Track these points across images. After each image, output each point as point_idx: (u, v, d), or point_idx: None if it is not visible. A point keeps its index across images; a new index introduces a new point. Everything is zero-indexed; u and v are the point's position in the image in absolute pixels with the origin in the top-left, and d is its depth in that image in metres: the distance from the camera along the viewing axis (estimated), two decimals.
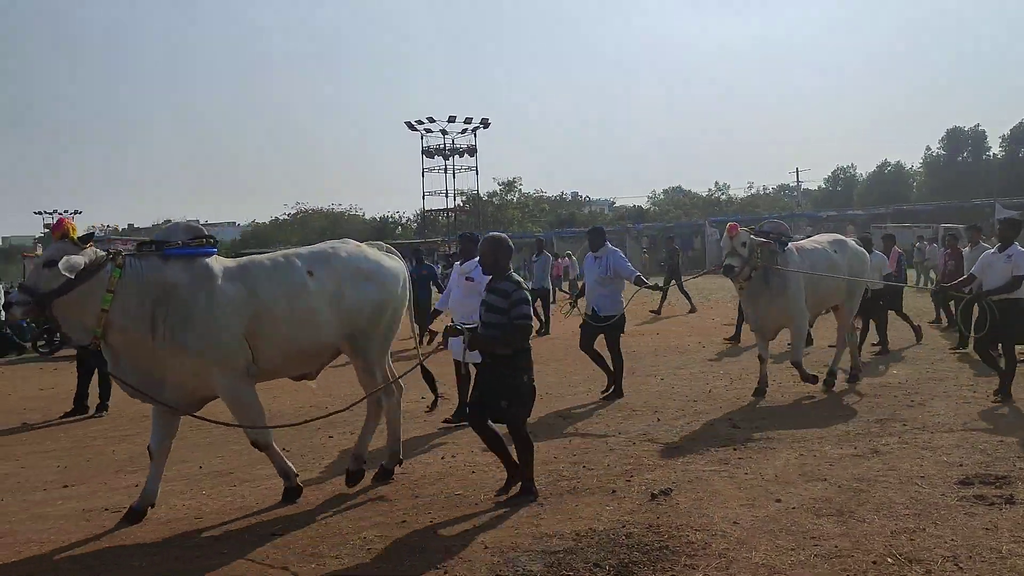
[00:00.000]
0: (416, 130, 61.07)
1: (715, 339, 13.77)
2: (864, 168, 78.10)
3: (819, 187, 79.64)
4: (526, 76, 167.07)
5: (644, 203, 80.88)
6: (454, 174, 62.26)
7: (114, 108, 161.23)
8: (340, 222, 75.26)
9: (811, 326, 10.69)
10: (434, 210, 65.81)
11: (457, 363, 7.76)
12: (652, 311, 19.07)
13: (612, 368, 9.10)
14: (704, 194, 76.38)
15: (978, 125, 66.60)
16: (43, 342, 17.16)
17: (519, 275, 5.71)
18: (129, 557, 4.80)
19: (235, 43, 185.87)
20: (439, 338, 6.10)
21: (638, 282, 9.19)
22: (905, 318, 12.59)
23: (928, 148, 69.69)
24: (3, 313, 13.49)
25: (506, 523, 4.95)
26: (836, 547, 4.33)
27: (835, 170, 78.07)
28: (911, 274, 26.31)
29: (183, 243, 5.50)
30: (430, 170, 62.53)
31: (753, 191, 78.92)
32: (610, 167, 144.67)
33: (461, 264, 8.27)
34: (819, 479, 5.54)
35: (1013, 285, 7.71)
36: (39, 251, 22.41)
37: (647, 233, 50.85)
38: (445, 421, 7.95)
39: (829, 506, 4.98)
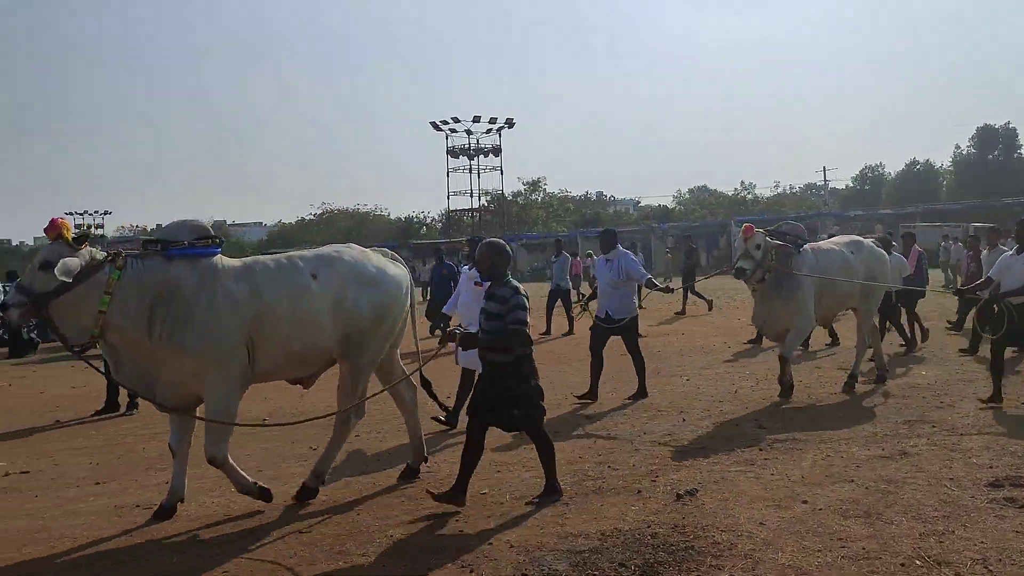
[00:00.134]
0: (441, 130, 61.31)
1: (741, 339, 13.71)
2: (893, 167, 77.30)
3: (847, 186, 78.98)
4: (551, 76, 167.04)
5: (669, 203, 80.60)
6: (479, 174, 62.44)
7: (142, 110, 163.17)
8: (365, 222, 75.68)
9: (828, 327, 10.60)
10: (459, 210, 65.98)
11: (464, 370, 7.80)
12: (677, 312, 19.04)
13: (636, 370, 9.06)
14: (730, 193, 75.98)
15: (1009, 123, 65.78)
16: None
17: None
18: (160, 553, 4.88)
19: (261, 44, 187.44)
20: (444, 344, 6.00)
21: (649, 285, 9.17)
22: (916, 320, 12.37)
23: (958, 147, 68.92)
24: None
25: (531, 522, 4.97)
26: (863, 549, 4.31)
27: (863, 169, 77.47)
28: (936, 274, 26.04)
29: (188, 243, 5.48)
30: (455, 170, 62.78)
31: (779, 190, 78.43)
32: (635, 166, 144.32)
33: (470, 268, 8.27)
34: (846, 480, 5.51)
35: None
36: None
37: (672, 233, 50.68)
38: (434, 418, 7.91)
39: (856, 508, 4.95)
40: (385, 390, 6.19)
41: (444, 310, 9.07)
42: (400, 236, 66.94)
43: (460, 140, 61.80)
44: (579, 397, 8.89)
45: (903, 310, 11.90)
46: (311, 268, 5.71)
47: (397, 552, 4.63)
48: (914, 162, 71.30)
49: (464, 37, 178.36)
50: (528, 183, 73.95)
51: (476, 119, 60.70)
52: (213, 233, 5.65)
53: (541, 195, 74.60)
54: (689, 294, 19.33)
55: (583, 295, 18.44)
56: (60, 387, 12.61)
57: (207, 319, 5.30)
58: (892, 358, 10.90)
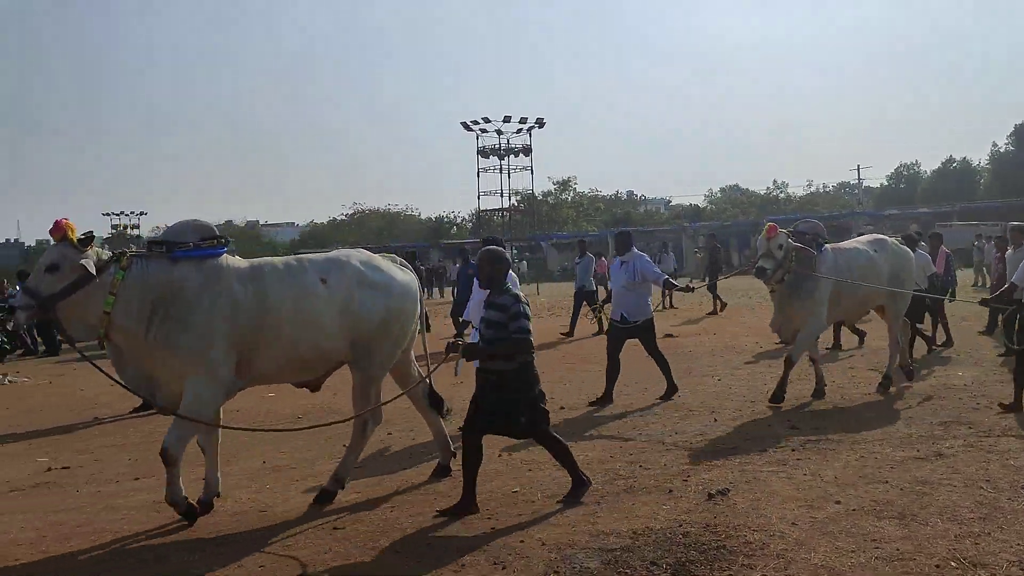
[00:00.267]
0: (472, 130, 61.42)
1: (773, 339, 13.58)
2: (928, 165, 76.27)
3: (881, 185, 77.99)
4: (581, 75, 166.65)
5: (701, 202, 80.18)
6: (509, 174, 62.45)
7: (178, 112, 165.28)
8: (396, 222, 76.12)
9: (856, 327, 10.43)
10: (489, 210, 66.06)
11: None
12: (713, 311, 18.99)
13: (661, 370, 9.01)
14: (762, 192, 75.36)
15: None
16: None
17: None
18: (199, 546, 4.98)
19: (292, 46, 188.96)
20: (447, 354, 5.80)
21: (667, 285, 9.13)
22: (942, 322, 12.14)
23: (995, 144, 67.75)
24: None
25: (563, 520, 5.00)
26: (898, 550, 4.28)
27: (898, 167, 76.49)
28: (969, 274, 25.66)
29: (193, 244, 5.47)
30: (485, 170, 62.83)
31: (812, 189, 77.72)
32: (666, 166, 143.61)
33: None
34: (880, 481, 5.47)
35: None
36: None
37: (703, 232, 50.43)
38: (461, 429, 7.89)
39: (890, 509, 4.92)
40: (404, 394, 6.18)
41: (464, 317, 9.01)
42: (430, 236, 67.23)
43: (491, 140, 61.89)
44: (592, 402, 8.83)
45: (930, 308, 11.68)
46: (321, 271, 5.70)
47: (429, 548, 4.68)
48: (950, 160, 70.27)
49: (494, 37, 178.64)
50: (558, 183, 73.96)
51: (507, 119, 60.74)
52: (219, 233, 5.65)
53: (571, 195, 74.54)
54: (710, 290, 19.37)
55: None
56: (99, 385, 12.78)
57: (205, 321, 5.27)
58: (920, 359, 10.80)
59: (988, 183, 67.26)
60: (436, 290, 38.51)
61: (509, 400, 5.26)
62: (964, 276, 25.18)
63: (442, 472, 6.21)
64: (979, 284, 23.57)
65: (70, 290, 5.10)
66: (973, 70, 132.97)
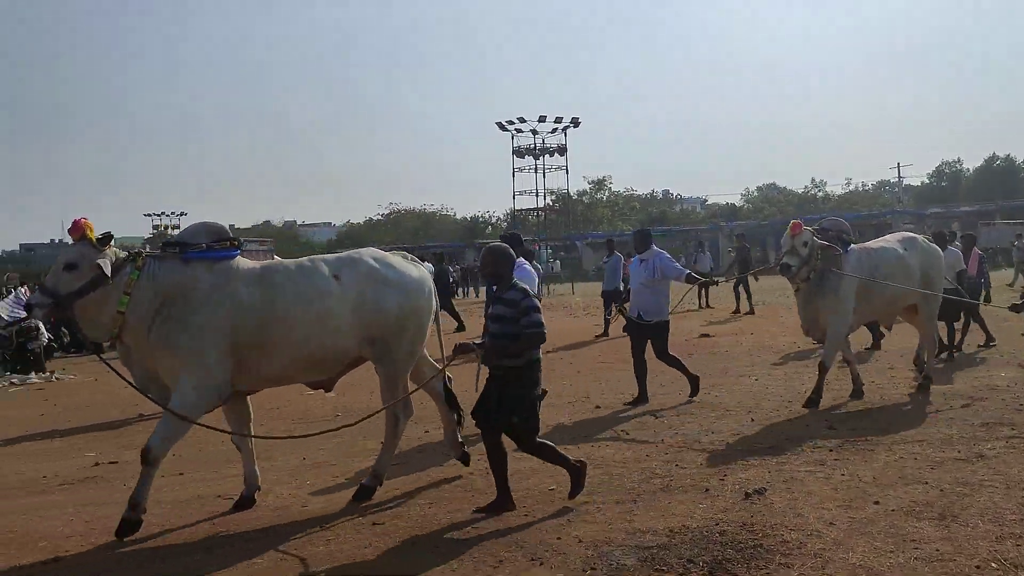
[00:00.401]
0: (507, 130, 61.33)
1: (810, 340, 13.48)
2: (971, 162, 74.80)
3: (922, 182, 76.74)
4: (616, 74, 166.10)
5: (737, 201, 79.51)
6: (544, 173, 62.26)
7: (217, 114, 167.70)
8: (432, 222, 76.55)
9: (888, 329, 10.26)
10: (524, 210, 66.07)
11: None
12: (746, 312, 18.89)
13: (679, 370, 8.97)
14: (800, 191, 74.60)
15: None
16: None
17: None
18: (243, 539, 5.10)
19: (328, 46, 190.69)
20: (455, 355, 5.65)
21: (690, 280, 9.10)
22: (979, 322, 11.93)
23: None
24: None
25: (599, 518, 5.03)
26: (937, 551, 4.26)
27: (940, 164, 75.20)
28: (1008, 274, 25.18)
29: (206, 245, 5.51)
30: (520, 170, 62.71)
31: (851, 188, 76.73)
32: (702, 164, 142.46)
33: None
34: (920, 482, 5.43)
35: None
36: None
37: (739, 231, 50.04)
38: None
39: (930, 510, 4.88)
40: (417, 390, 6.19)
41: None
42: (466, 236, 67.44)
43: (526, 140, 61.79)
44: (628, 403, 8.82)
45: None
46: (333, 270, 5.72)
47: (467, 544, 4.73)
48: (993, 157, 68.96)
49: (529, 37, 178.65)
50: (593, 182, 73.80)
51: (542, 119, 60.59)
52: (232, 236, 5.69)
53: (606, 194, 74.36)
54: (737, 291, 19.38)
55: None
56: None
57: (204, 322, 5.29)
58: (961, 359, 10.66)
59: None
60: (471, 289, 38.66)
61: (512, 396, 5.24)
62: (1004, 276, 24.76)
63: (464, 460, 6.31)
64: (1014, 284, 23.08)
65: (87, 289, 5.17)
66: (1017, 65, 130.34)
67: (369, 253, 6.04)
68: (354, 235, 77.32)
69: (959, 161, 74.81)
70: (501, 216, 77.89)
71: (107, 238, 5.35)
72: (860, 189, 76.99)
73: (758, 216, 63.83)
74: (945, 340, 10.93)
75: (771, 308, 19.26)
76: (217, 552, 4.90)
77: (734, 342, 13.83)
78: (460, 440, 6.35)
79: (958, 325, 11.39)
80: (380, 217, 79.50)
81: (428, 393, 6.39)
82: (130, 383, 5.58)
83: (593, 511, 5.18)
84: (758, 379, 10.01)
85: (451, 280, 28.26)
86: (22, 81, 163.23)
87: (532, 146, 61.53)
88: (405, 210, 79.08)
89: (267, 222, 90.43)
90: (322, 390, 6.05)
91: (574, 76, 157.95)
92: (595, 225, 65.96)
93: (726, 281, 13.58)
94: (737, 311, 19.11)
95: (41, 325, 14.56)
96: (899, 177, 73.06)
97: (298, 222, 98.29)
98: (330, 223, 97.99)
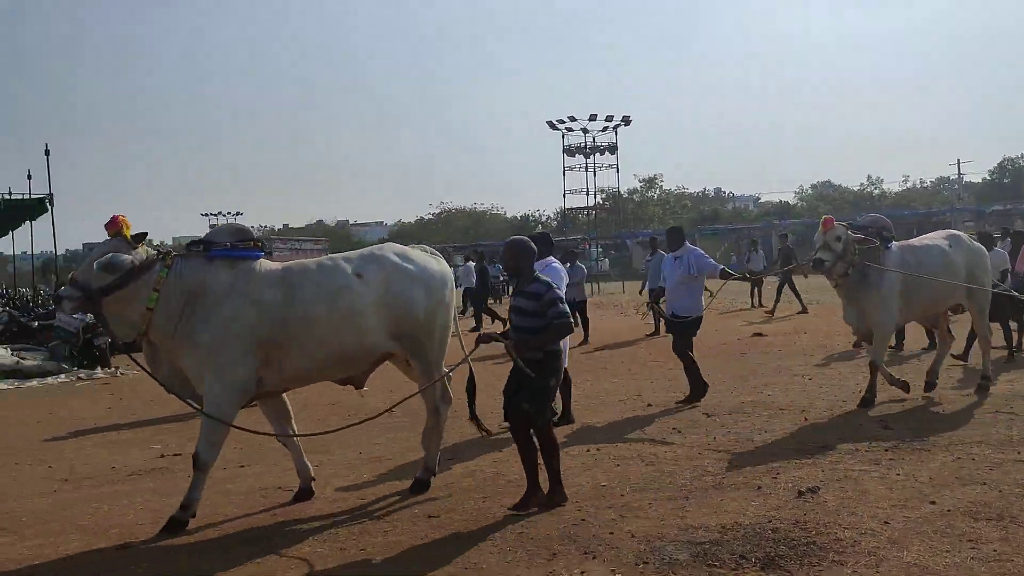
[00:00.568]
0: (558, 129, 61.34)
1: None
2: None
3: (983, 179, 74.62)
4: (668, 72, 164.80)
5: (791, 199, 78.29)
6: (595, 172, 62.13)
7: (272, 115, 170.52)
8: (482, 221, 76.82)
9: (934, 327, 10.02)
10: (574, 208, 65.97)
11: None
12: (799, 311, 18.72)
13: (687, 374, 8.94)
14: (855, 189, 73.21)
15: None
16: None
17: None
18: (303, 530, 5.26)
19: (380, 46, 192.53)
20: (477, 345, 5.70)
21: (724, 275, 9.05)
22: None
23: None
24: None
25: (651, 514, 5.08)
26: (995, 551, 4.23)
27: (1002, 160, 72.96)
28: None
29: (230, 244, 5.60)
30: (571, 168, 62.68)
31: (909, 185, 75.05)
32: (755, 162, 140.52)
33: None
34: (977, 483, 5.37)
35: None
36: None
37: (792, 229, 49.33)
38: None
39: (988, 510, 4.83)
40: (429, 386, 6.07)
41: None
42: (516, 234, 67.49)
43: (576, 139, 61.72)
44: (680, 402, 8.80)
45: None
46: (355, 268, 5.75)
47: (522, 538, 4.82)
48: None
49: (580, 35, 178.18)
50: (644, 180, 73.36)
51: (592, 117, 60.47)
52: (256, 237, 5.79)
53: (657, 192, 73.85)
54: (789, 287, 19.16)
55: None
56: None
57: (226, 320, 5.38)
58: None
59: None
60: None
61: (529, 385, 5.25)
62: None
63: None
64: None
65: (119, 284, 5.27)
66: None
67: (391, 249, 6.08)
68: (405, 234, 77.88)
69: (1022, 157, 72.65)
70: (551, 215, 77.85)
71: (140, 236, 5.49)
72: (918, 186, 75.31)
73: (812, 214, 62.72)
74: (1003, 341, 10.71)
75: (826, 308, 18.95)
76: (279, 541, 5.07)
77: (788, 341, 13.71)
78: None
79: (1014, 325, 11.12)
80: (431, 216, 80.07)
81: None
82: (158, 380, 5.72)
83: (645, 507, 5.23)
84: (812, 378, 9.93)
85: (497, 278, 28.10)
86: (86, 84, 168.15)
87: (583, 145, 61.41)
88: (456, 209, 79.53)
89: (320, 221, 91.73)
90: (352, 387, 6.14)
91: (625, 74, 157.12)
92: (645, 224, 65.51)
93: (758, 275, 13.40)
94: (772, 312, 18.99)
95: None
96: (959, 174, 71.23)
97: (350, 221, 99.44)
98: (382, 222, 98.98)
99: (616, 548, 4.54)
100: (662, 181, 74.02)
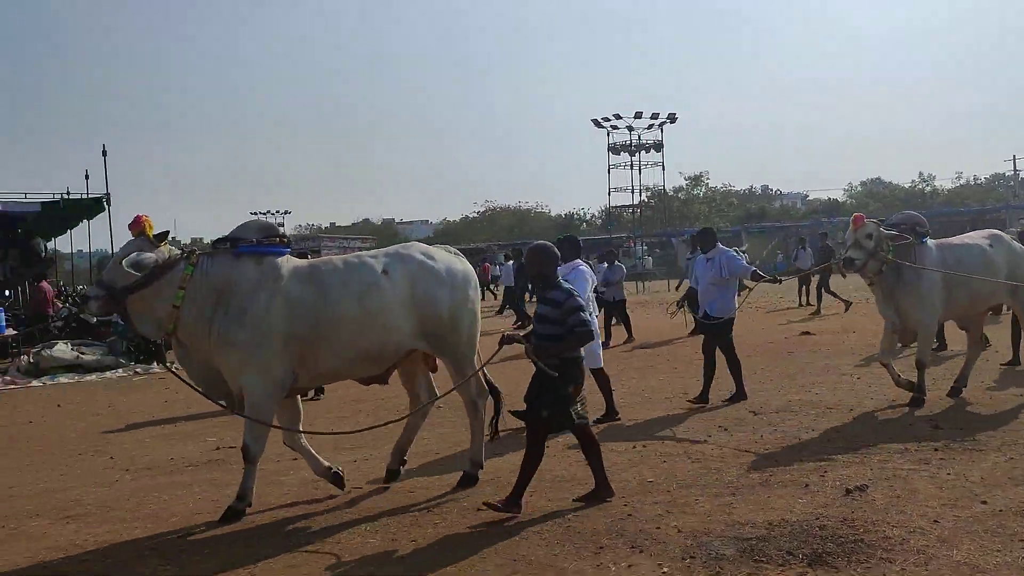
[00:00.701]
0: (603, 127, 61.07)
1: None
2: None
3: None
4: (714, 69, 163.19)
5: (840, 196, 77.08)
6: (640, 170, 61.74)
7: (320, 116, 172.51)
8: (527, 219, 76.96)
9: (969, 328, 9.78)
10: (619, 206, 65.69)
11: (593, 370, 7.93)
12: (812, 313, 18.61)
13: (732, 373, 8.90)
14: (906, 186, 71.82)
15: None
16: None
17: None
18: (356, 521, 5.40)
19: (423, 46, 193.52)
20: (501, 346, 5.61)
21: (755, 277, 8.99)
22: None
23: None
24: None
25: (698, 510, 5.12)
26: None
27: None
28: None
29: (256, 240, 5.65)
30: (616, 166, 62.35)
31: (962, 182, 73.38)
32: (803, 159, 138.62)
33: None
34: None
35: None
36: None
37: (841, 227, 48.54)
38: (595, 421, 8.07)
39: None
40: (450, 391, 6.18)
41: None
42: (560, 233, 67.50)
43: (621, 136, 61.41)
44: (691, 401, 8.79)
45: None
46: (382, 266, 5.81)
47: (569, 531, 4.89)
48: None
49: (625, 33, 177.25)
50: (690, 178, 72.84)
51: (638, 115, 60.05)
52: (281, 233, 5.85)
53: (703, 190, 73.28)
54: (825, 291, 18.99)
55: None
56: None
57: (259, 317, 5.44)
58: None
59: None
60: None
61: (548, 391, 5.26)
62: None
63: (392, 477, 6.30)
64: None
65: (142, 283, 5.35)
66: None
67: (417, 248, 6.15)
68: (450, 232, 78.37)
69: None
70: (596, 213, 77.71)
71: (162, 235, 5.58)
72: (972, 183, 73.59)
73: (862, 212, 61.76)
74: None
75: (874, 306, 18.74)
76: (332, 531, 5.21)
77: (836, 340, 13.57)
78: (404, 457, 6.38)
79: None
80: (475, 215, 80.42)
81: (411, 397, 6.54)
82: (187, 382, 5.84)
83: (692, 503, 5.27)
84: (860, 377, 9.84)
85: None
86: (142, 86, 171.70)
87: (628, 142, 61.09)
88: (500, 207, 79.75)
89: (366, 220, 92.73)
90: (376, 384, 6.20)
91: (671, 72, 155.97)
92: (691, 222, 64.97)
93: (787, 277, 13.25)
94: (818, 310, 18.83)
95: None
96: (1015, 170, 69.37)
97: (396, 220, 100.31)
98: (427, 221, 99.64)
99: (663, 543, 4.59)
100: (708, 179, 73.47)
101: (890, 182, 75.90)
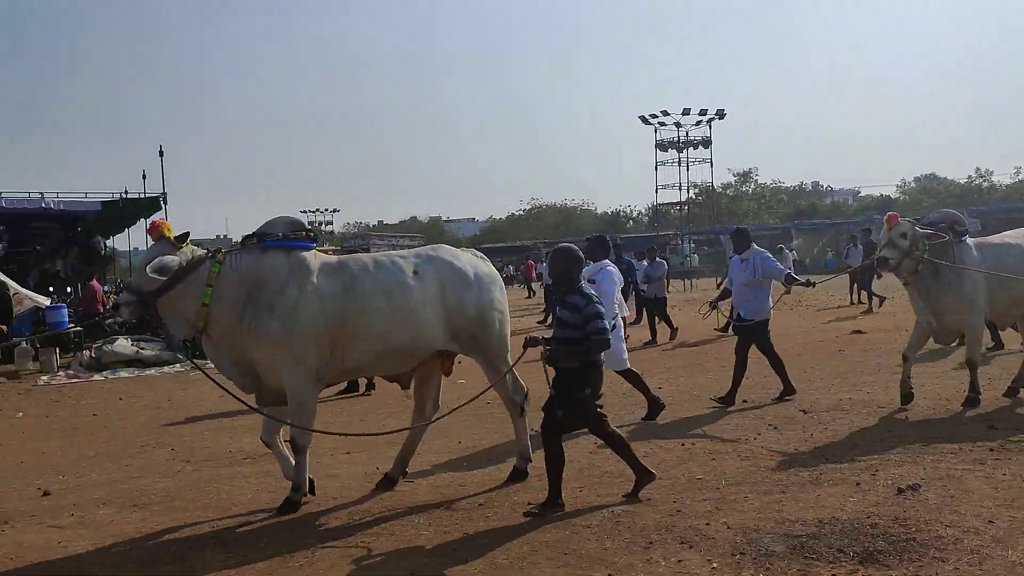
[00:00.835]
0: (650, 124, 60.88)
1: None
2: None
3: None
4: (763, 64, 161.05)
5: (893, 192, 75.62)
6: (688, 167, 61.40)
7: (368, 115, 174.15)
8: (572, 217, 76.87)
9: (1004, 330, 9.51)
10: (666, 203, 65.34)
11: (619, 372, 7.96)
12: (864, 311, 18.38)
13: (775, 371, 8.86)
14: (962, 181, 70.20)
15: None
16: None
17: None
18: (408, 513, 5.52)
19: (473, 44, 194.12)
20: (526, 349, 5.62)
21: (789, 280, 8.91)
22: None
23: None
24: None
25: (747, 507, 5.13)
26: None
27: None
28: None
29: (283, 235, 5.71)
30: (663, 163, 62.15)
31: (1021, 177, 71.45)
32: (855, 154, 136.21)
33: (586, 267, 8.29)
34: None
35: None
36: None
37: (865, 226, 47.62)
38: (643, 419, 8.13)
39: None
40: (481, 395, 6.30)
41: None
42: (606, 230, 67.31)
43: (669, 133, 61.12)
44: (717, 399, 8.75)
45: None
46: (412, 266, 5.91)
47: (619, 526, 4.94)
48: None
49: (673, 29, 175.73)
50: (739, 174, 72.13)
51: (686, 111, 59.83)
52: (308, 228, 5.94)
53: (752, 186, 72.50)
54: (861, 287, 18.76)
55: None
56: None
57: (291, 309, 5.52)
58: None
59: None
60: None
61: (564, 394, 5.30)
62: None
63: (387, 484, 6.24)
64: None
65: (169, 285, 5.44)
66: None
67: (445, 251, 6.25)
68: (497, 230, 78.65)
69: None
70: (643, 210, 77.33)
71: (183, 237, 5.66)
72: None
73: (915, 209, 60.55)
74: None
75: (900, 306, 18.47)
76: (385, 524, 5.34)
77: (887, 338, 13.38)
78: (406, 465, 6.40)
79: None
80: (521, 212, 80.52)
81: (416, 406, 6.53)
82: (218, 383, 5.94)
83: (741, 500, 5.29)
84: (913, 377, 9.67)
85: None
86: (197, 90, 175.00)
87: (675, 139, 60.73)
88: (546, 205, 79.75)
89: (414, 218, 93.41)
90: (398, 384, 6.32)
91: (719, 68, 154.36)
92: (740, 219, 64.38)
93: (822, 280, 13.12)
94: (869, 309, 18.57)
95: None
96: None
97: (443, 218, 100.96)
98: (474, 218, 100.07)
99: (712, 539, 4.63)
100: (757, 175, 72.73)
101: (945, 178, 74.35)
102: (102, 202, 22.14)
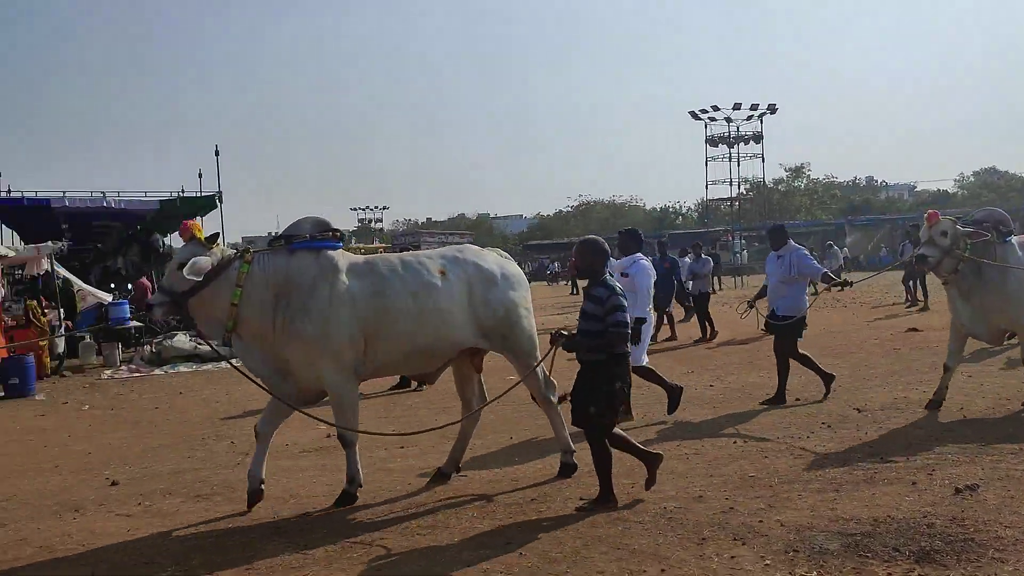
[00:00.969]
0: (700, 119, 60.21)
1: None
2: None
3: None
4: (814, 57, 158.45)
5: (950, 187, 73.96)
6: (739, 162, 60.63)
7: (417, 112, 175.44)
8: (621, 213, 76.60)
9: None
10: (717, 199, 64.64)
11: (642, 369, 7.95)
12: (919, 309, 18.01)
13: (778, 375, 8.76)
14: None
15: None
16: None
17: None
18: (462, 506, 5.62)
19: (519, 40, 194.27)
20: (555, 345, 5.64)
21: (825, 279, 8.80)
22: None
23: None
24: None
25: (801, 505, 5.13)
26: None
27: None
28: None
29: (310, 236, 5.77)
30: (714, 159, 61.43)
31: None
32: (910, 148, 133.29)
33: (618, 260, 8.25)
34: None
35: None
36: None
37: (912, 223, 46.56)
38: (668, 412, 8.15)
39: None
40: (505, 393, 6.29)
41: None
42: (655, 226, 66.95)
43: (719, 128, 60.42)
44: (763, 402, 8.66)
45: None
46: (438, 266, 5.98)
47: (671, 522, 4.98)
48: None
49: (724, 24, 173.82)
50: (790, 169, 71.14)
51: (736, 106, 59.01)
52: (335, 228, 6.01)
53: (804, 182, 71.45)
54: (906, 281, 18.45)
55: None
56: None
57: (324, 309, 5.59)
58: None
59: None
60: None
61: (593, 388, 5.30)
62: None
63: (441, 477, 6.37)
64: None
65: (201, 285, 5.49)
66: None
67: (471, 251, 6.33)
68: (545, 226, 78.69)
69: None
70: (692, 206, 76.69)
71: (213, 237, 5.73)
72: None
73: (973, 204, 59.08)
74: None
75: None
76: (440, 516, 5.45)
77: (943, 337, 13.03)
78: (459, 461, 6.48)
79: None
80: (569, 209, 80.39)
81: (463, 400, 6.61)
82: (248, 376, 5.98)
83: (794, 498, 5.28)
84: (970, 376, 9.55)
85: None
86: (250, 90, 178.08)
87: (726, 134, 60.05)
88: (594, 201, 79.53)
89: (462, 215, 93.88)
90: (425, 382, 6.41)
91: (771, 61, 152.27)
92: (792, 215, 63.53)
93: (861, 279, 12.89)
94: (915, 303, 18.31)
95: None
96: None
97: (491, 215, 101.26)
98: (522, 215, 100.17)
99: (765, 536, 4.64)
100: (810, 170, 71.70)
101: (1006, 172, 72.45)
102: (160, 201, 22.67)
